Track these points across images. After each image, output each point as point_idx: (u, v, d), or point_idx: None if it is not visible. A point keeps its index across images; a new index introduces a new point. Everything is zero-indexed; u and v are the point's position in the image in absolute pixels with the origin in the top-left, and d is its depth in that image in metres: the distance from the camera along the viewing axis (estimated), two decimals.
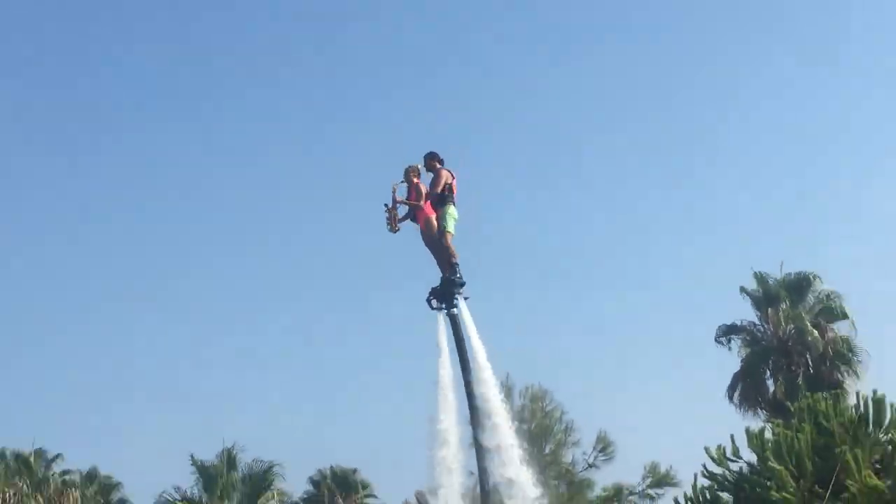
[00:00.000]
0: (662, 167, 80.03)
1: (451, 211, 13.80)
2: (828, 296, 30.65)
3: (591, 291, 67.58)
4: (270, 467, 35.20)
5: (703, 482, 24.40)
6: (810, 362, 29.82)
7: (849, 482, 21.44)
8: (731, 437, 23.56)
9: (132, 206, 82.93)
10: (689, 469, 23.97)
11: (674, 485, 28.39)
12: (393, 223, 13.73)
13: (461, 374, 13.97)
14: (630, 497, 29.70)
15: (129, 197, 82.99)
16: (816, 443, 21.57)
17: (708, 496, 24.23)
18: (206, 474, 33.96)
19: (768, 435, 22.90)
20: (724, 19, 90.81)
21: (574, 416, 29.87)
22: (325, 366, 66.90)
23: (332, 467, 39.79)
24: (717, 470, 23.56)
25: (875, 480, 21.37)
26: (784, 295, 30.19)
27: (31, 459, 37.89)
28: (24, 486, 35.30)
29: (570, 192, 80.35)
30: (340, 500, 38.46)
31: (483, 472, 13.86)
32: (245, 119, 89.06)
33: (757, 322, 30.89)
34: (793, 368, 29.72)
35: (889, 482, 21.68)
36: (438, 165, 14.04)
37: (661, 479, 29.11)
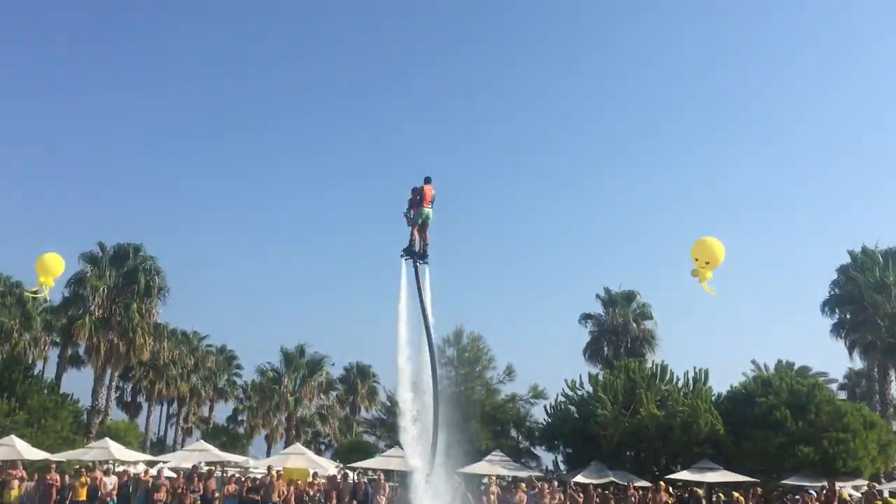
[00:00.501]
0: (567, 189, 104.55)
1: (424, 211, 20.18)
2: (643, 304, 47.81)
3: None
4: (322, 358, 53.75)
5: (561, 399, 38.15)
6: (629, 342, 46.33)
7: (641, 410, 34.29)
8: (580, 376, 38.21)
9: None
10: (555, 390, 39.92)
11: (545, 398, 41.60)
12: (410, 222, 20.41)
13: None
14: (519, 402, 42.70)
15: None
16: (626, 385, 35.62)
17: (562, 407, 38.06)
18: (287, 358, 51.95)
19: (601, 378, 37.34)
20: None
21: (495, 353, 43.67)
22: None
23: (357, 362, 59.44)
24: (570, 393, 38.17)
25: (655, 410, 34.42)
26: (620, 301, 47.64)
27: (190, 335, 55.18)
28: (185, 349, 52.34)
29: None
30: (359, 382, 56.90)
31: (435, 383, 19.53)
32: None
33: (603, 315, 47.97)
34: (619, 343, 46.37)
35: (663, 413, 34.56)
36: (427, 185, 20.25)
37: (538, 394, 42.36)
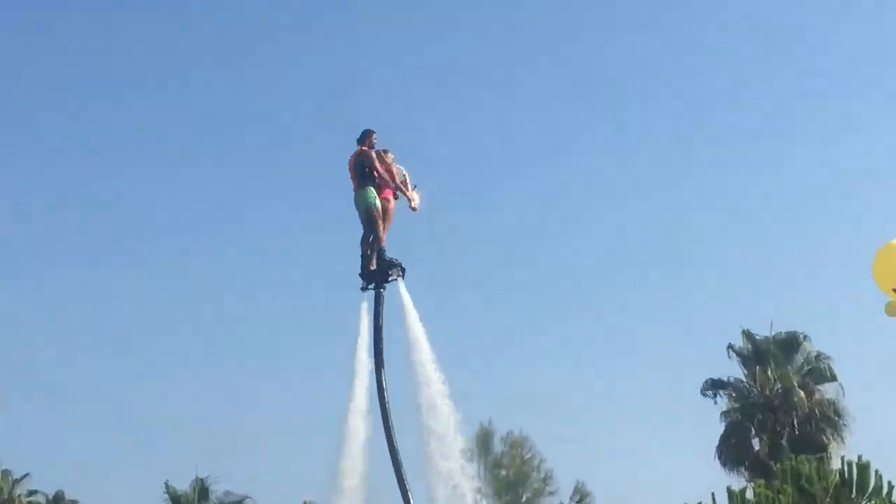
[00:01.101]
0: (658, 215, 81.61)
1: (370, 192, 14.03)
2: (816, 356, 30.09)
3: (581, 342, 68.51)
4: (242, 501, 34.14)
5: None
6: (796, 423, 29.11)
7: None
8: (713, 494, 23.07)
9: None
10: None
11: None
12: (410, 202, 14.01)
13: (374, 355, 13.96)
14: None
15: None
16: None
17: None
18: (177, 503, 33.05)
19: (749, 495, 22.97)
20: None
21: (552, 465, 29.26)
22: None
23: (304, 502, 39.21)
24: None
25: None
26: (772, 354, 29.73)
27: None
28: None
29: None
30: None
31: (398, 465, 13.53)
32: None
33: (744, 379, 30.27)
34: (778, 429, 28.98)
35: None
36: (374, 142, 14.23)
37: None
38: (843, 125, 79.26)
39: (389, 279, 14.19)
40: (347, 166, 14.22)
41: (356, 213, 14.18)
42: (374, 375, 14.13)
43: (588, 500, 27.87)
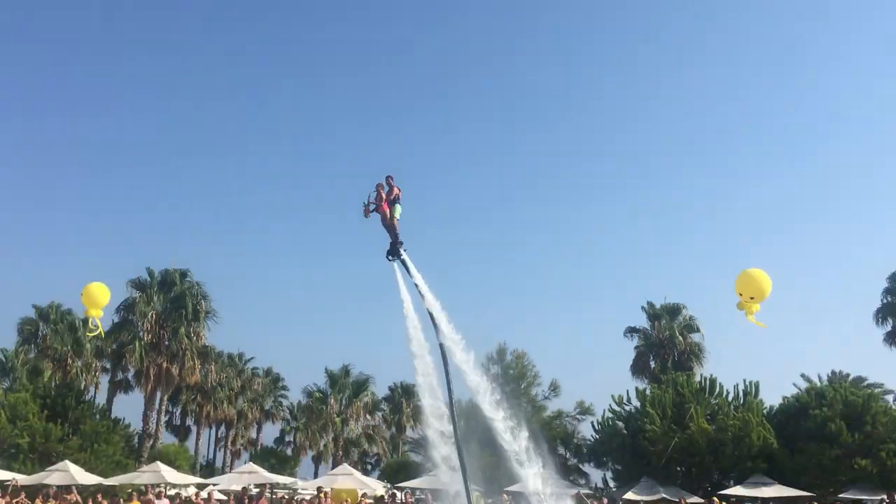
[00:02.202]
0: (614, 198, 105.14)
1: (398, 209, 20.18)
2: (689, 317, 47.02)
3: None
4: (367, 378, 54.27)
5: (609, 415, 37.92)
6: (676, 356, 45.65)
7: (691, 424, 33.80)
8: (627, 391, 37.99)
9: None
10: (601, 406, 40.02)
11: (591, 414, 42.01)
12: (366, 213, 19.87)
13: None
14: (566, 418, 43.15)
15: None
16: (675, 399, 35.37)
17: (610, 423, 37.75)
18: (332, 378, 52.56)
19: (648, 392, 37.13)
20: None
21: (540, 370, 44.14)
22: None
23: (402, 382, 59.70)
24: (617, 409, 38.01)
25: (705, 424, 34.06)
26: (665, 314, 46.89)
27: (236, 358, 56.25)
28: (231, 372, 53.45)
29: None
30: (404, 401, 57.17)
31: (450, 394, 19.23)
32: None
33: (648, 328, 47.29)
34: (666, 357, 45.70)
35: (714, 427, 34.20)
36: (392, 182, 20.31)
37: (585, 410, 43.00)
38: None
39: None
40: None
41: None
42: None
43: (558, 390, 43.68)
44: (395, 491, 31.77)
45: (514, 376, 44.09)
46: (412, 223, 21.03)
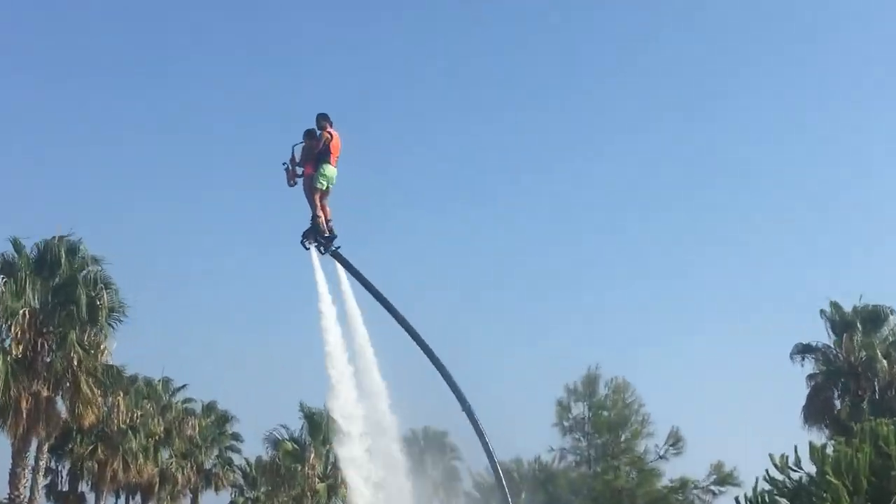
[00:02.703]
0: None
1: (326, 170, 21.79)
2: None
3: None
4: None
5: (764, 486, 36.43)
6: (877, 388, 44.44)
7: None
8: (795, 447, 34.46)
9: None
10: (752, 473, 37.11)
11: (736, 485, 40.83)
12: (291, 179, 21.91)
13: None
14: (694, 490, 42.83)
15: None
16: (874, 464, 30.19)
17: (767, 499, 37.43)
18: (312, 421, 52.02)
19: (830, 451, 32.14)
20: None
21: (651, 410, 43.99)
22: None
23: (424, 428, 58.66)
24: (778, 476, 34.40)
25: None
26: (860, 323, 45.63)
27: (159, 387, 56.14)
28: (151, 408, 53.22)
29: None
30: (428, 457, 56.58)
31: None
32: None
33: (832, 346, 46.20)
34: (859, 393, 44.38)
35: None
36: (326, 125, 21.84)
37: (724, 478, 42.39)
38: None
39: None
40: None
41: None
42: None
43: (681, 444, 43.35)
44: None
45: (609, 421, 44.01)
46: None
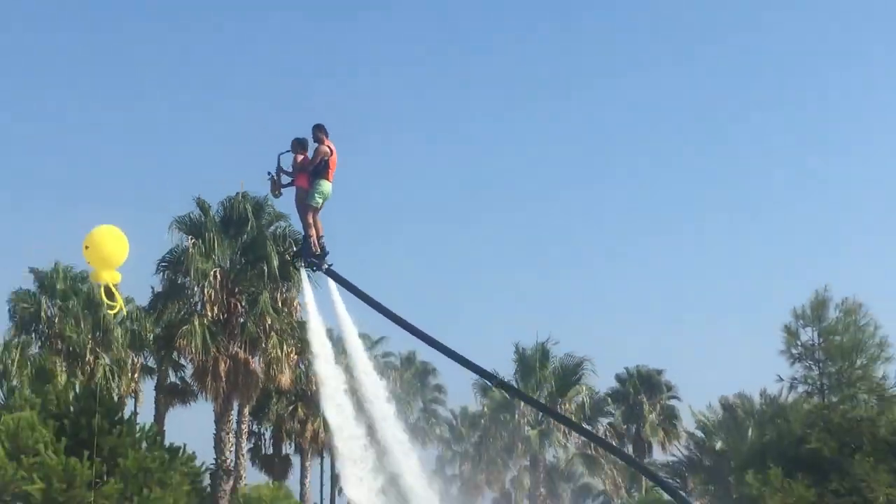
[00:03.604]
0: None
1: (322, 186, 21.21)
2: None
3: None
4: (581, 362, 52.96)
5: None
6: None
7: None
8: None
9: None
10: None
11: None
12: (276, 189, 21.85)
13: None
14: None
15: None
16: None
17: None
18: (523, 364, 51.49)
19: None
20: None
21: (888, 332, 41.75)
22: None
23: (637, 367, 58.03)
24: None
25: None
26: None
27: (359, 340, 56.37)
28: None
29: None
30: (644, 399, 55.56)
31: None
32: None
33: None
34: None
35: None
36: (324, 138, 21.21)
37: None
38: None
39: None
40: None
41: None
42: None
43: None
44: None
45: (842, 346, 42.19)
46: None
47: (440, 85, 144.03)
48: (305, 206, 21.38)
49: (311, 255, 21.99)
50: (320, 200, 21.32)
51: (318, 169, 21.02)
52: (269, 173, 21.50)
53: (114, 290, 21.15)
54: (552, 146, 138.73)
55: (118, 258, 20.63)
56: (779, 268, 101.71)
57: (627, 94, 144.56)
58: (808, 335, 42.49)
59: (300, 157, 21.36)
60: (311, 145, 21.25)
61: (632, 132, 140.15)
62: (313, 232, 21.67)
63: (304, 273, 23.39)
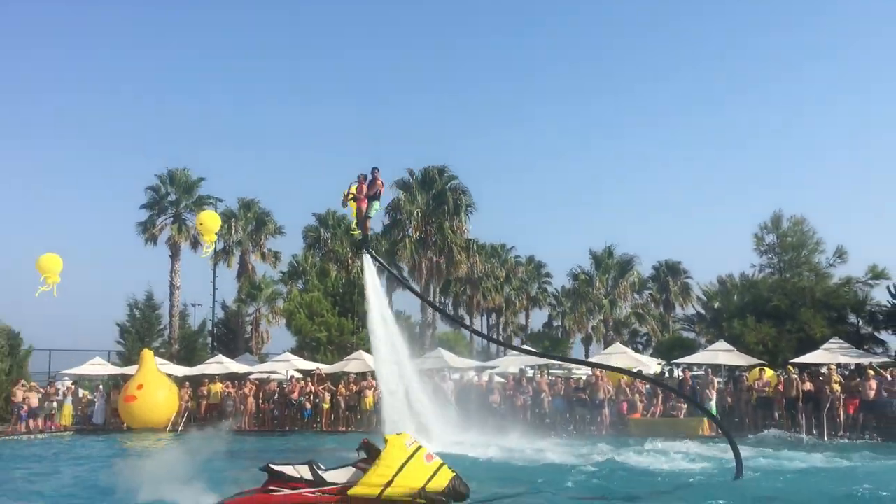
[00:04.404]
0: None
1: (375, 205, 20.44)
2: None
3: None
4: (631, 258, 55.40)
5: None
6: None
7: None
8: None
9: None
10: None
11: (887, 277, 37.83)
12: (344, 202, 20.50)
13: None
14: (856, 284, 38.70)
15: None
16: None
17: None
18: (597, 260, 54.34)
19: None
20: None
21: (822, 235, 41.29)
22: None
23: (666, 260, 59.72)
24: None
25: None
26: None
27: (499, 248, 59.39)
28: (495, 262, 56.45)
29: None
30: (670, 279, 56.99)
31: None
32: None
33: None
34: None
35: None
36: (378, 175, 20.43)
37: (878, 275, 38.09)
38: None
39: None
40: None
41: None
42: None
43: (845, 255, 39.83)
44: (673, 367, 31.54)
45: (792, 244, 41.79)
46: None
47: None
48: (365, 217, 20.48)
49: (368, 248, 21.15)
50: (373, 215, 20.86)
51: (375, 195, 20.37)
52: (343, 193, 20.45)
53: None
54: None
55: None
56: (747, 188, 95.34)
57: None
58: (770, 238, 42.43)
59: (362, 185, 20.32)
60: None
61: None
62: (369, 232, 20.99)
63: (367, 259, 21.51)
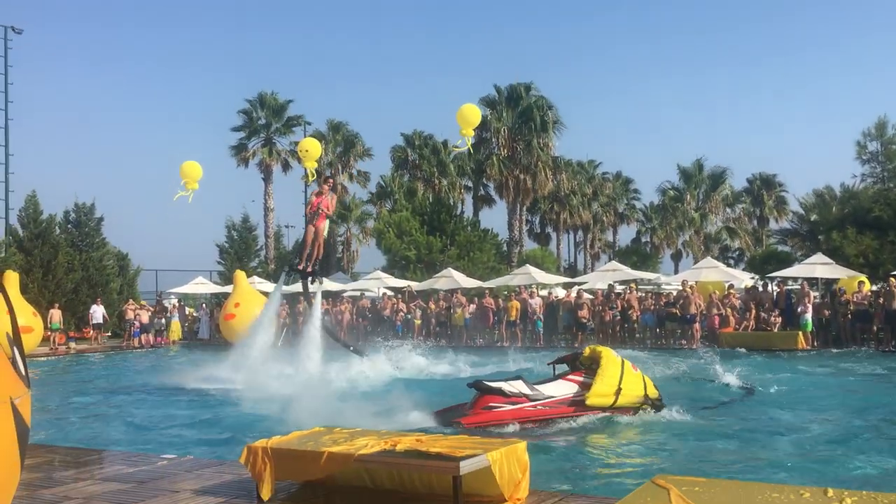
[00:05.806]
0: None
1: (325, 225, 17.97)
2: None
3: None
4: (723, 171, 53.70)
5: None
6: None
7: None
8: None
9: None
10: None
11: None
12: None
13: None
14: None
15: None
16: None
17: None
18: (686, 175, 52.45)
19: None
20: None
21: None
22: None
23: (761, 173, 57.88)
24: None
25: None
26: None
27: (586, 165, 58.89)
28: (582, 178, 56.06)
29: None
30: (764, 192, 55.22)
31: None
32: None
33: None
34: None
35: None
36: (326, 189, 18.06)
37: None
38: None
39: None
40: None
41: None
42: None
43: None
44: (767, 281, 30.71)
45: None
46: None
47: None
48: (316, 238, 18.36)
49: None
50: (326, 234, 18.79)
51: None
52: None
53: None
54: None
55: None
56: (849, 96, 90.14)
57: None
58: (874, 146, 40.24)
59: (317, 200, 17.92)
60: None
61: None
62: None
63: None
